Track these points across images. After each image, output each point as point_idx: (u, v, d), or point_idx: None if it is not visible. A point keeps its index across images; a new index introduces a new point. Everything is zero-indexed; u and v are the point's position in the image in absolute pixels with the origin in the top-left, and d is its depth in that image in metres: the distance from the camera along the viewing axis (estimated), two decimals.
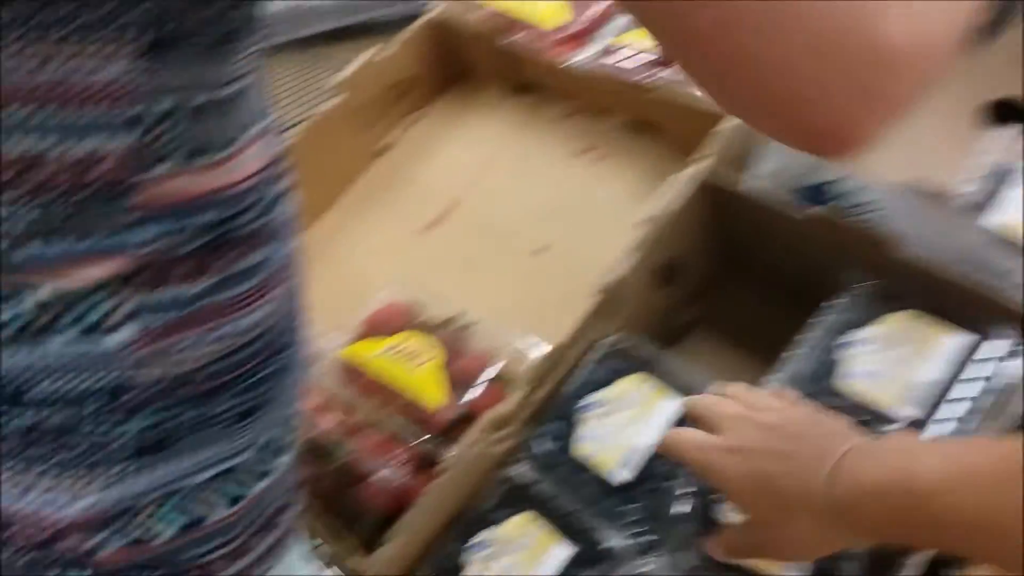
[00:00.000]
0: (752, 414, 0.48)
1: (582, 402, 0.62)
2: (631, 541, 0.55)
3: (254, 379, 0.38)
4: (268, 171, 0.40)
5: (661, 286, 0.69)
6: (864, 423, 0.52)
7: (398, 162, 0.95)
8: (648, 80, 0.80)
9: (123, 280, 0.33)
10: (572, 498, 0.58)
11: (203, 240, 0.35)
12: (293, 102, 1.42)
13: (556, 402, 0.63)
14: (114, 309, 0.33)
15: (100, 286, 0.33)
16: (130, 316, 0.33)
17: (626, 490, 0.57)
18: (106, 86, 0.30)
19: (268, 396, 0.39)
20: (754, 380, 0.58)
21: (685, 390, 0.60)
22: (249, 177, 0.37)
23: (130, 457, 0.34)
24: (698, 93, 0.77)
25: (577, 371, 0.64)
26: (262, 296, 0.38)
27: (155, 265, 0.34)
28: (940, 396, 0.53)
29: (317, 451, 0.65)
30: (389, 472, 0.63)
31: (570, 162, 0.89)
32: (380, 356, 0.70)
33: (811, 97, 0.28)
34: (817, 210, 0.58)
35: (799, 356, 0.57)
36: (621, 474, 0.57)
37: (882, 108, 0.29)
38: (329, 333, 0.75)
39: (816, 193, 0.64)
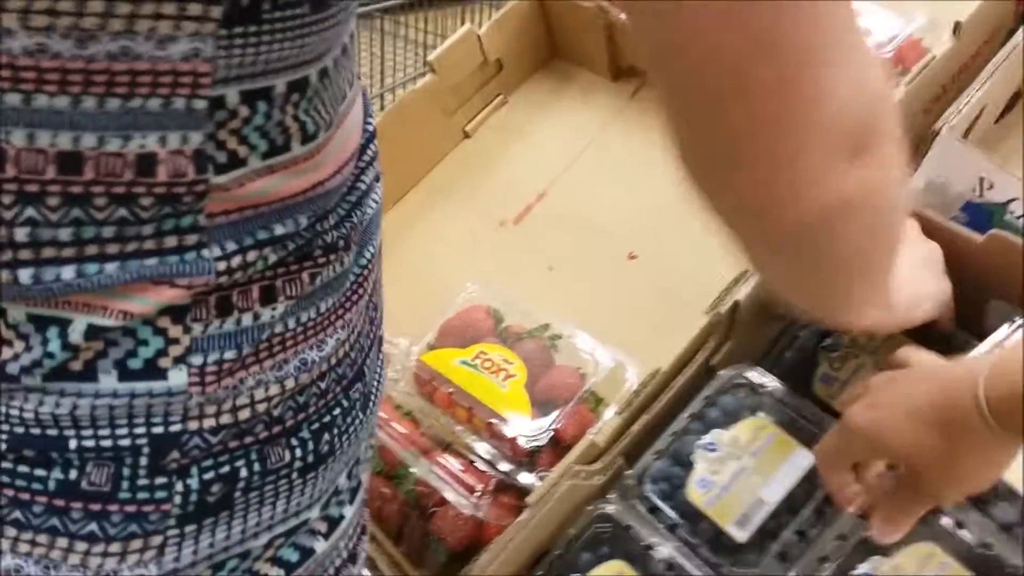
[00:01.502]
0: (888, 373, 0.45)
1: (697, 440, 0.54)
2: None
3: (323, 421, 0.31)
4: (359, 160, 0.33)
5: (771, 317, 0.61)
6: None
7: (482, 149, 0.87)
8: None
9: (178, 312, 0.26)
10: (675, 550, 0.50)
11: (279, 256, 0.28)
12: (368, 76, 1.35)
13: (663, 436, 0.55)
14: (165, 348, 0.26)
15: (148, 320, 0.26)
16: (184, 355, 0.26)
17: (742, 551, 0.49)
18: (167, 70, 0.23)
19: (339, 439, 0.32)
20: None
21: (812, 441, 0.51)
22: (339, 170, 0.30)
23: (174, 526, 0.27)
24: None
25: (689, 403, 0.56)
26: (340, 317, 0.31)
27: (218, 292, 0.26)
28: None
29: (386, 471, 0.58)
30: (465, 501, 0.56)
31: (666, 162, 0.81)
32: (460, 367, 0.63)
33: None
34: (1002, 235, 0.48)
35: None
36: (739, 533, 0.49)
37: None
38: (402, 335, 0.68)
39: (982, 213, 0.54)
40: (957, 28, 0.64)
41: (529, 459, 0.58)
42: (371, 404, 0.35)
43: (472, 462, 0.59)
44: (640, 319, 0.71)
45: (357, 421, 0.33)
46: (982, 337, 0.53)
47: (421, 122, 0.83)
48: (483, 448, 0.59)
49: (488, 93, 0.88)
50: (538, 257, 0.78)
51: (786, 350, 0.60)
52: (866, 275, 0.37)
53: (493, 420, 0.59)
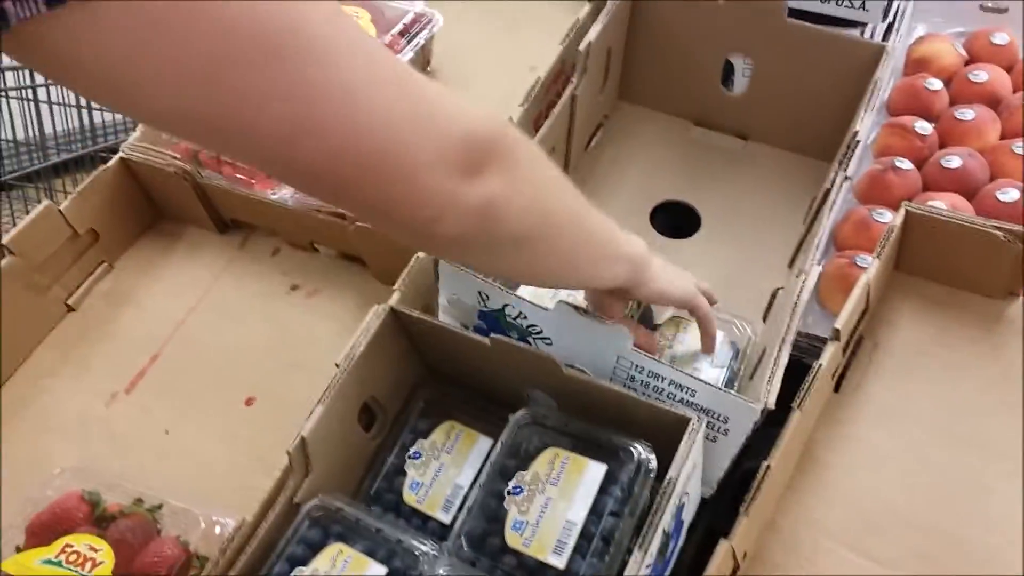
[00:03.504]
0: None
1: None
2: None
3: None
4: None
5: (365, 428, 0.65)
6: None
7: (90, 320, 0.84)
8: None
9: None
10: None
11: None
12: None
13: None
14: None
15: None
16: None
17: None
18: None
19: None
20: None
21: (387, 554, 0.55)
22: None
23: None
24: None
25: (279, 544, 0.57)
26: None
27: None
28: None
29: None
30: None
31: (281, 300, 0.84)
32: (43, 567, 0.59)
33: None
34: (500, 338, 0.57)
35: (471, 512, 0.56)
36: None
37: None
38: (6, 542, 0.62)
39: (492, 318, 0.63)
40: None
41: None
42: None
43: None
44: (258, 466, 0.72)
45: None
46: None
47: (8, 306, 0.78)
48: None
49: (87, 263, 0.86)
50: (153, 423, 0.76)
51: (377, 473, 0.65)
52: (570, 249, 0.51)
53: None
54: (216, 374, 0.79)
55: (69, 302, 0.84)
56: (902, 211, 0.68)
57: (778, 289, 0.72)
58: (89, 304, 0.85)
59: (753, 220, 0.82)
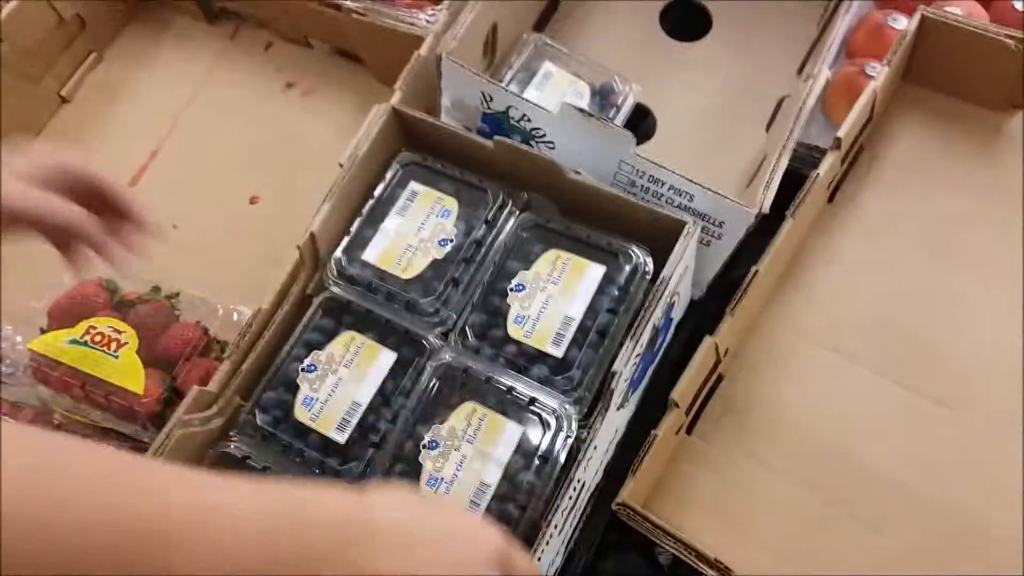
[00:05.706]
0: None
1: (300, 365, 0.59)
2: None
3: None
4: None
5: None
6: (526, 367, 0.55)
7: (85, 111, 0.83)
8: (346, 5, 0.75)
9: None
10: (289, 467, 0.56)
11: None
12: None
13: (272, 368, 0.60)
14: None
15: None
16: None
17: (346, 449, 0.56)
18: None
19: None
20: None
21: (397, 341, 0.59)
22: None
23: None
24: (398, 18, 0.74)
25: (294, 332, 0.61)
26: None
27: None
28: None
29: None
30: None
31: (277, 98, 0.83)
32: (69, 347, 0.63)
33: None
34: (503, 140, 0.57)
35: (474, 307, 0.59)
36: (340, 436, 0.56)
37: None
38: (9, 327, 0.66)
39: (495, 121, 0.63)
40: None
41: (159, 421, 0.61)
42: None
43: (99, 435, 0.60)
44: (265, 262, 0.74)
45: None
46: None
47: (3, 96, 0.77)
48: (109, 420, 0.61)
49: (77, 52, 0.83)
50: (160, 217, 0.77)
51: None
52: None
53: (109, 391, 0.60)
54: (218, 172, 0.80)
55: (62, 93, 0.83)
56: (917, 15, 0.65)
57: (784, 97, 0.71)
58: (83, 95, 0.84)
59: (766, 22, 0.79)
